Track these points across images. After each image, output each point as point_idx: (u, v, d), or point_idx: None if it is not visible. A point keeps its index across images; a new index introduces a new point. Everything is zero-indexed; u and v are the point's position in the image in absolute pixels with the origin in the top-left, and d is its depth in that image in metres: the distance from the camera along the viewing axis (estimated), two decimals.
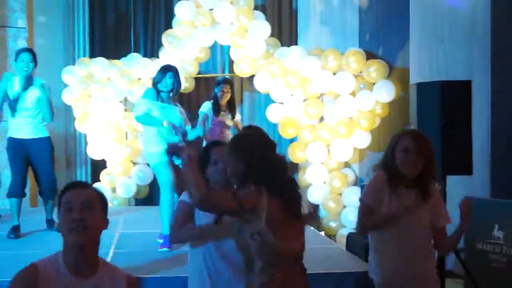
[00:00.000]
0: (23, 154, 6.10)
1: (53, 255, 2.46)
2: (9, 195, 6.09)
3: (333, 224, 7.83)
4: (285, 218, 2.92)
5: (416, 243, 3.08)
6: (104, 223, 2.48)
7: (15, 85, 5.98)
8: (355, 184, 7.88)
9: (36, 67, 6.08)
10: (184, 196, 3.35)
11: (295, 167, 8.85)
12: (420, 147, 3.05)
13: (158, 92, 5.47)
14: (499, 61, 6.37)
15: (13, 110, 6.08)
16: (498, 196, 6.31)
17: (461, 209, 3.27)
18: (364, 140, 7.79)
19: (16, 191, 6.02)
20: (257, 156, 2.81)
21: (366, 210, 3.18)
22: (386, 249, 3.16)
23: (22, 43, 8.58)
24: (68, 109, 8.41)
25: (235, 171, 2.86)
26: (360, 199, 3.27)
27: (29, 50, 6.33)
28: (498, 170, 6.44)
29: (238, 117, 7.53)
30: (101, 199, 2.52)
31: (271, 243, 2.87)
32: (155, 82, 5.50)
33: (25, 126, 6.09)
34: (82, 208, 2.35)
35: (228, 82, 7.32)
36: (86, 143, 8.61)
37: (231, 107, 7.29)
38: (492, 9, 6.36)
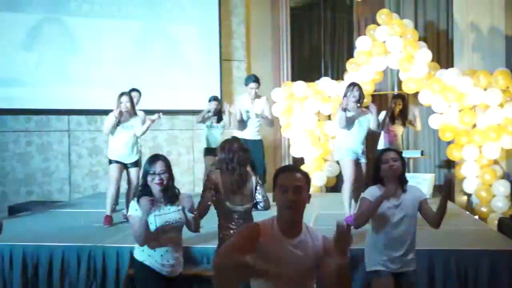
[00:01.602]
0: None
1: (270, 219, 2.73)
2: None
3: (484, 209, 8.29)
4: (232, 189, 3.96)
5: None
6: (308, 198, 2.68)
7: (245, 103, 7.06)
8: (502, 177, 8.32)
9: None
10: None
11: (452, 164, 9.36)
12: None
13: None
14: None
15: (244, 120, 7.09)
16: None
17: None
18: (510, 142, 8.28)
19: None
20: (227, 152, 3.93)
21: None
22: None
23: (242, 72, 10.01)
24: (276, 120, 9.12)
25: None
26: None
27: (256, 78, 7.20)
28: None
29: (410, 118, 7.90)
30: (307, 181, 2.70)
31: (222, 204, 3.91)
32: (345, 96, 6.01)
33: (249, 130, 7.08)
34: (295, 192, 2.60)
35: (400, 97, 7.76)
36: (289, 145, 9.71)
37: (402, 116, 7.71)
38: None
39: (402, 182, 3.84)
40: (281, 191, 2.62)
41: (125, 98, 6.46)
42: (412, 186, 3.95)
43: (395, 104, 7.59)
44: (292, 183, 2.61)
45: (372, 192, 3.85)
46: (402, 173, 3.84)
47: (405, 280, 3.86)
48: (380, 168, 3.83)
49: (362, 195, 4.05)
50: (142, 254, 3.78)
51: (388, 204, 3.76)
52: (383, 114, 7.55)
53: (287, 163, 9.96)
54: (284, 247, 2.64)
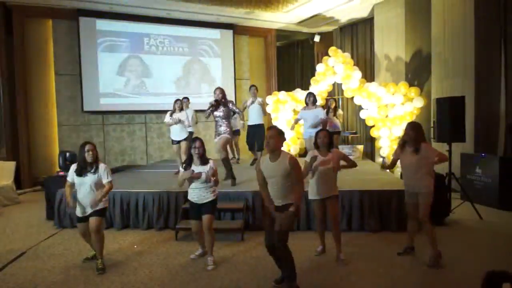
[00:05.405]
0: (253, 133, 7.16)
1: (266, 155, 3.03)
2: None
3: None
4: None
5: None
6: (283, 142, 2.95)
7: (249, 102, 7.00)
8: None
9: None
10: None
11: (373, 139, 8.75)
12: None
13: None
14: None
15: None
16: (478, 151, 6.74)
17: None
18: None
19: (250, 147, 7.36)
20: None
21: None
22: None
23: (248, 86, 9.27)
24: (269, 114, 8.92)
25: None
26: None
27: (255, 85, 7.18)
28: (478, 140, 6.87)
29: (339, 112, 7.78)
30: (278, 133, 3.08)
31: None
32: None
33: (255, 118, 7.05)
34: (271, 138, 3.02)
35: (334, 100, 7.65)
36: None
37: (334, 110, 7.61)
38: None
39: (329, 147, 3.92)
40: (267, 138, 3.12)
41: (178, 103, 6.59)
42: (335, 149, 3.99)
43: (334, 103, 7.94)
44: (270, 133, 3.12)
45: (309, 154, 3.91)
46: (329, 142, 3.87)
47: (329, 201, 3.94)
48: (317, 140, 3.91)
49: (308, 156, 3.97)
50: (188, 193, 4.01)
51: (321, 160, 3.84)
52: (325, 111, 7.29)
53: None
54: (270, 165, 3.12)
